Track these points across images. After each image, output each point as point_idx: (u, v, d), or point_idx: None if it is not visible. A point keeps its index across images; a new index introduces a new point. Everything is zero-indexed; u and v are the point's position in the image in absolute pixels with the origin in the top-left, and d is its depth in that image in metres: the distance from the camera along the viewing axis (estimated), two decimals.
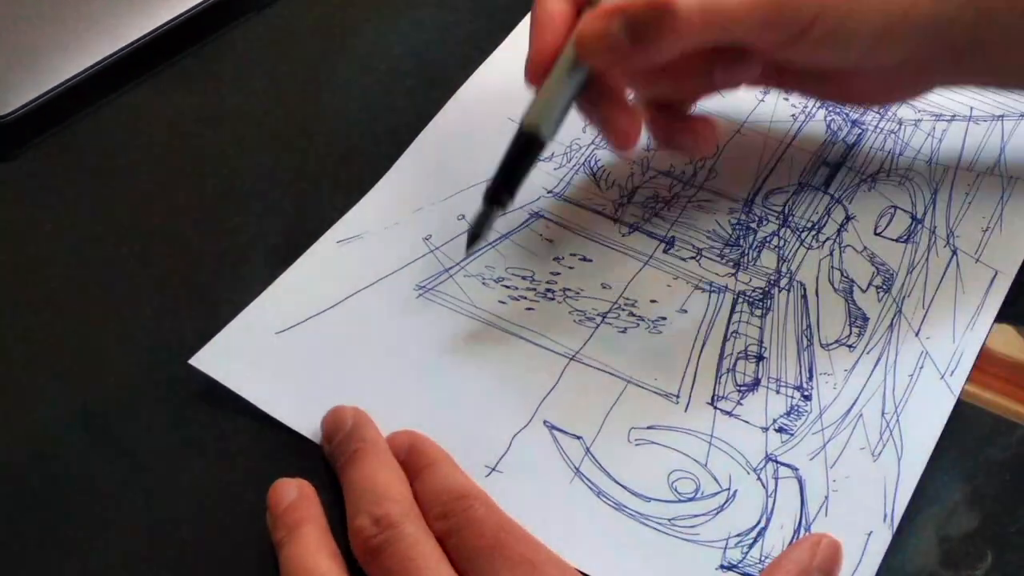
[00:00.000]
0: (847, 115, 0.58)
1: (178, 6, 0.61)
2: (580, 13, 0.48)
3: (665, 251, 0.53)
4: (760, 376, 0.48)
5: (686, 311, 0.50)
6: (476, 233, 0.49)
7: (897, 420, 0.47)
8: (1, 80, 0.56)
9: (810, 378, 0.48)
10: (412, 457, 0.45)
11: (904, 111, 0.58)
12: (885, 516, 0.44)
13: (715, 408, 0.47)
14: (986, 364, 0.48)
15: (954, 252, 0.52)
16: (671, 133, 0.52)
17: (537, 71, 0.48)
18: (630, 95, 0.52)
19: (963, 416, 0.47)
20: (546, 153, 0.56)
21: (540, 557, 0.41)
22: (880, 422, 0.47)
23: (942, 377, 0.48)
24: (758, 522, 0.44)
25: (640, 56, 0.47)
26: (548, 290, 0.51)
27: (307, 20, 0.64)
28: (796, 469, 0.45)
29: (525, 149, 0.48)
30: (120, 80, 0.60)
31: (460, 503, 0.42)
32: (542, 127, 0.48)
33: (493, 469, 0.45)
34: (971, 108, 0.58)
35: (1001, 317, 0.50)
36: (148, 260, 0.53)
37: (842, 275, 0.51)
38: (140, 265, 0.53)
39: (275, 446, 0.47)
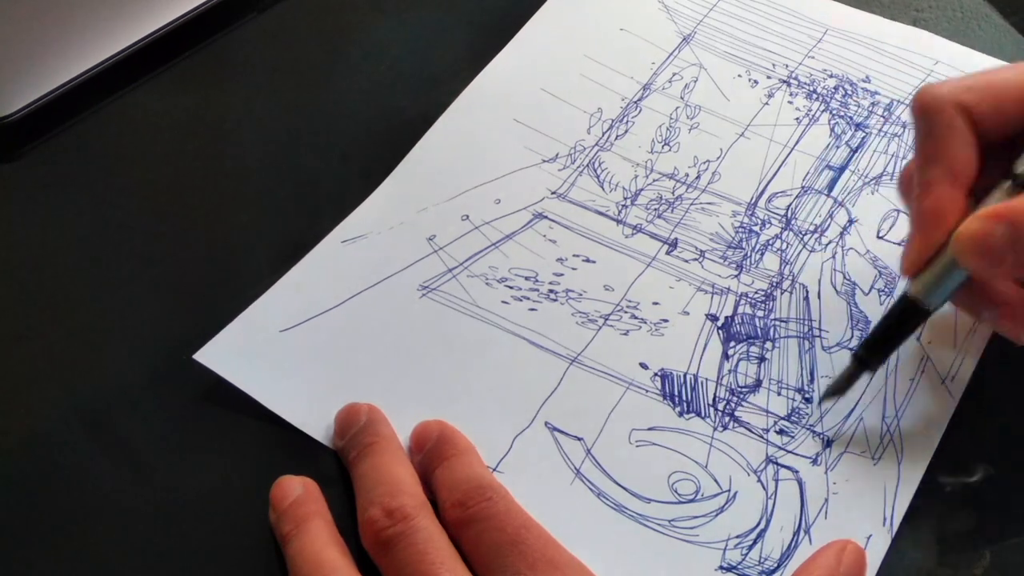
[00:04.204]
0: (851, 119, 0.58)
1: (180, 7, 0.61)
2: (970, 196, 0.45)
3: (668, 253, 0.53)
4: (761, 378, 0.48)
5: (688, 313, 0.50)
6: (837, 390, 0.47)
7: (898, 424, 0.47)
8: (3, 81, 0.56)
9: (811, 380, 0.48)
10: (440, 445, 0.45)
11: (908, 114, 0.58)
12: (884, 520, 0.44)
13: (716, 410, 0.47)
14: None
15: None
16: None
17: (913, 267, 0.45)
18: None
19: (962, 415, 0.47)
20: (550, 154, 0.56)
21: (561, 559, 0.41)
22: (881, 426, 0.47)
23: (943, 382, 0.48)
24: (758, 524, 0.44)
25: (1018, 268, 0.43)
26: (551, 291, 0.51)
27: (308, 21, 0.64)
28: (796, 471, 0.46)
29: (908, 317, 0.45)
30: (122, 81, 0.60)
31: (482, 492, 0.42)
32: (930, 297, 0.45)
33: (494, 469, 0.46)
34: None
35: None
36: (151, 259, 0.53)
37: (844, 278, 0.52)
38: (143, 264, 0.53)
39: (277, 443, 0.47)
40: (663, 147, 0.57)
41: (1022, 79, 0.45)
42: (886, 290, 0.51)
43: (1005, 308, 0.45)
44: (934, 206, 0.44)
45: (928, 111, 0.45)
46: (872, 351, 0.46)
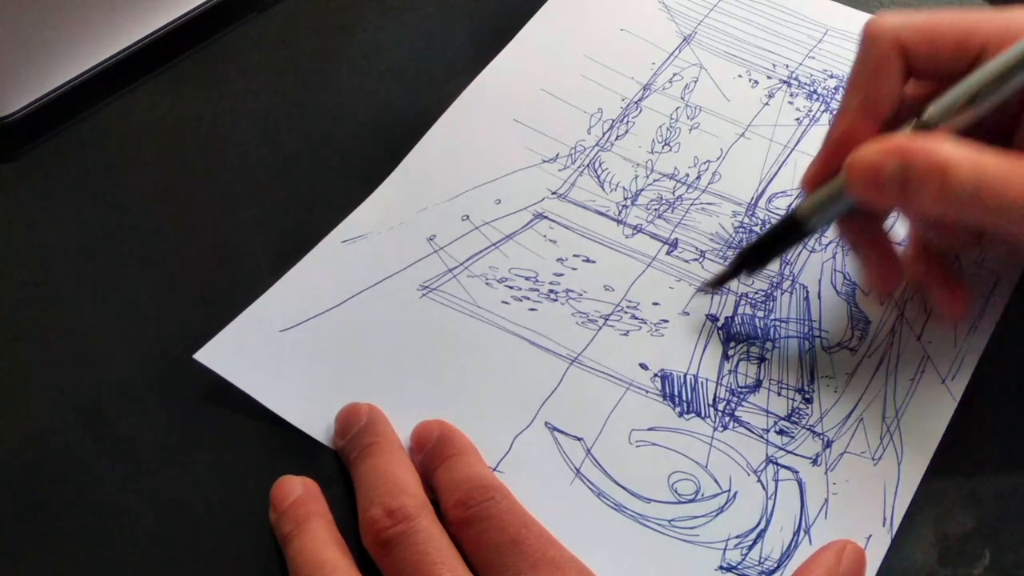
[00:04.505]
0: None
1: (180, 7, 0.61)
2: (882, 129, 0.46)
3: (668, 253, 0.53)
4: (761, 378, 0.48)
5: (688, 313, 0.50)
6: (713, 284, 0.51)
7: (898, 424, 0.47)
8: (3, 81, 0.56)
9: (811, 381, 0.48)
10: (440, 445, 0.45)
11: None
12: (884, 520, 0.44)
13: (716, 410, 0.47)
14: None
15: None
16: (927, 280, 0.50)
17: (811, 182, 0.47)
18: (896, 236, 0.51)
19: (962, 415, 0.47)
20: (551, 154, 0.56)
21: (562, 558, 0.41)
22: (881, 426, 0.47)
23: (943, 382, 0.48)
24: (758, 524, 0.44)
25: (903, 205, 0.45)
26: (551, 291, 0.51)
27: (308, 21, 0.64)
28: (796, 472, 0.46)
29: (789, 233, 0.48)
30: (122, 81, 0.60)
31: (483, 492, 0.42)
32: (811, 220, 0.47)
33: (495, 469, 0.46)
34: None
35: (1002, 323, 0.50)
36: (151, 259, 0.53)
37: (844, 278, 0.52)
38: (143, 264, 0.53)
39: (277, 443, 0.47)
40: (663, 147, 0.57)
41: (959, 26, 0.45)
42: None
43: (868, 260, 0.49)
44: (843, 131, 0.46)
45: (869, 40, 0.46)
46: (751, 257, 0.49)
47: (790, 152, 0.57)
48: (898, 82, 0.46)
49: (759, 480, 0.45)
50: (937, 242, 0.50)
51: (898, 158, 0.43)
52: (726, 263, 0.52)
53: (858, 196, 0.45)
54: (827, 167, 0.47)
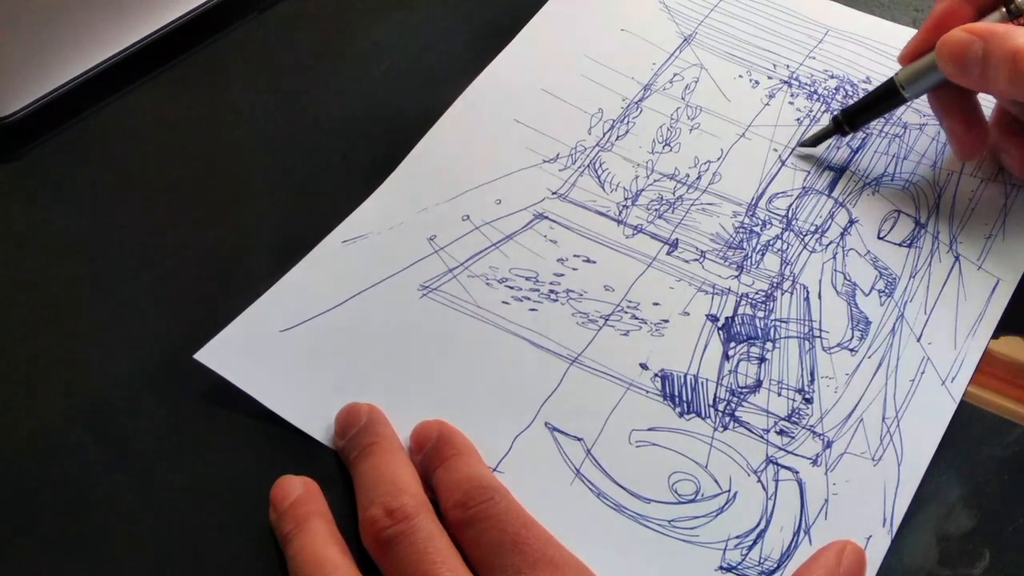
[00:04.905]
0: None
1: (180, 7, 0.61)
2: (979, 12, 0.52)
3: (668, 253, 0.53)
4: (762, 378, 0.48)
5: (688, 313, 0.50)
6: (811, 143, 0.56)
7: (898, 425, 0.47)
8: (4, 81, 0.56)
9: (811, 381, 0.48)
10: (439, 445, 0.45)
11: (909, 115, 0.58)
12: (884, 520, 0.44)
13: (716, 410, 0.47)
14: (985, 365, 0.49)
15: (956, 258, 0.52)
16: (1006, 138, 0.55)
17: (908, 56, 0.54)
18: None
19: (962, 415, 0.47)
20: (551, 154, 0.56)
21: (562, 558, 0.41)
22: (881, 427, 0.47)
23: (943, 383, 0.48)
24: (757, 524, 0.44)
25: (983, 86, 0.50)
26: (551, 291, 0.51)
27: (308, 21, 0.64)
28: (796, 472, 0.46)
29: (887, 97, 0.54)
30: (123, 81, 0.60)
31: (483, 492, 0.42)
32: (907, 88, 0.53)
33: (495, 469, 0.46)
34: None
35: (1002, 325, 0.50)
36: (151, 259, 0.53)
37: (845, 278, 0.52)
38: (142, 264, 0.53)
39: (277, 443, 0.47)
40: (664, 147, 0.57)
41: None
42: (886, 291, 0.51)
43: (953, 129, 0.54)
44: (942, 12, 0.52)
45: None
46: (849, 117, 0.55)
47: (790, 152, 0.57)
48: None
49: (759, 480, 0.45)
50: (1021, 117, 0.54)
51: (982, 42, 0.48)
52: (824, 125, 0.56)
53: (944, 70, 0.50)
54: (924, 43, 0.52)
